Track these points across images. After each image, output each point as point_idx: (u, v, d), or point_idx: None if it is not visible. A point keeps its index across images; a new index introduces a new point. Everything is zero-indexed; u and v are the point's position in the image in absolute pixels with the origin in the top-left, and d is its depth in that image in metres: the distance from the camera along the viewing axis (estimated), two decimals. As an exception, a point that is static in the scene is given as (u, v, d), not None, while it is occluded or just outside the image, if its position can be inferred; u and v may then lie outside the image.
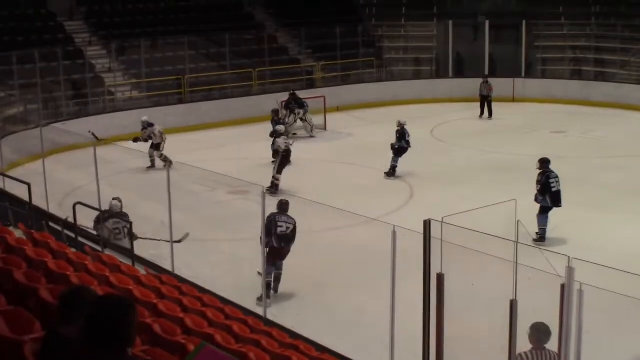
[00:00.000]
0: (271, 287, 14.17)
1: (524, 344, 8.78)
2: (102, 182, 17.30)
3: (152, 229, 16.66)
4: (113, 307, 4.25)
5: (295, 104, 28.63)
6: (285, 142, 22.04)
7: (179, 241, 15.30)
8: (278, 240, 14.20)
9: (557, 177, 17.21)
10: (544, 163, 17.50)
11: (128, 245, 14.84)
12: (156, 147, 24.27)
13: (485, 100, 31.93)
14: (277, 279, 14.45)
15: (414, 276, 9.86)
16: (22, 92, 27.72)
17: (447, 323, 9.30)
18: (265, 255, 13.63)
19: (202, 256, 16.34)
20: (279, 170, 21.32)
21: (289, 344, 9.99)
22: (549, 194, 17.05)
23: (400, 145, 22.92)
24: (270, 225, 14.00)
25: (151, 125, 24.47)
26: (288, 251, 14.43)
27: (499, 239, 8.57)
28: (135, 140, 24.08)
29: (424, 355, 9.90)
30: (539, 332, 8.75)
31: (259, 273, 14.14)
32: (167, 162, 21.32)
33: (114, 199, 15.55)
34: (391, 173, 22.86)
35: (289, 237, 14.32)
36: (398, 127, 23.22)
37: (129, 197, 20.08)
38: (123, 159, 23.26)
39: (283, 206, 14.63)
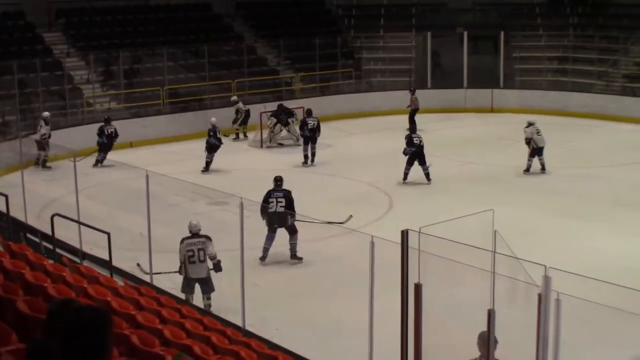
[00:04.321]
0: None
1: (502, 353, 8.82)
2: (80, 194, 17.25)
3: (130, 241, 16.65)
4: (89, 318, 4.23)
5: (284, 115, 28.81)
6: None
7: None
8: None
9: (280, 197, 16.90)
10: (274, 181, 17.33)
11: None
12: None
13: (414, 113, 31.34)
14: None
15: (393, 286, 9.88)
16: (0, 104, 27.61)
17: (425, 333, 9.32)
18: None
19: (181, 267, 16.29)
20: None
21: (268, 354, 9.99)
22: (266, 215, 16.70)
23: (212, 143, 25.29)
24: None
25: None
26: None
27: (476, 248, 8.60)
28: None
29: (402, 365, 9.91)
30: (487, 341, 8.80)
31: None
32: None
33: None
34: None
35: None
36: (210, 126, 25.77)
37: (108, 209, 20.10)
38: (101, 171, 23.23)
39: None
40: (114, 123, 26.82)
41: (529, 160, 23.97)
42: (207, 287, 14.09)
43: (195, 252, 14.03)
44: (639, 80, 33.63)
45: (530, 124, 24.42)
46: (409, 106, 31.71)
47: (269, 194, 16.90)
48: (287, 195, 16.87)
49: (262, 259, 16.68)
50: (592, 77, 34.88)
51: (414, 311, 9.34)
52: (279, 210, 16.61)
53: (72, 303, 5.05)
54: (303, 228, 16.74)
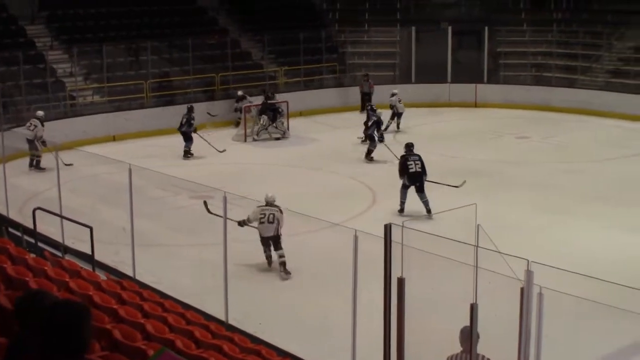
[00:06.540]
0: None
1: (484, 347, 8.83)
2: (63, 188, 17.17)
3: (113, 235, 16.59)
4: (66, 313, 4.20)
5: (269, 111, 28.88)
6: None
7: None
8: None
9: (417, 159, 19.58)
10: (407, 147, 20.18)
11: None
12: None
13: (367, 97, 33.38)
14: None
15: (376, 280, 9.87)
16: (-18, 96, 27.45)
17: (407, 327, 9.31)
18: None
19: (164, 261, 16.27)
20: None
21: (251, 349, 9.98)
22: (406, 175, 19.31)
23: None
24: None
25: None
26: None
27: (459, 243, 8.60)
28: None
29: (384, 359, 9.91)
30: (468, 336, 8.79)
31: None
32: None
33: None
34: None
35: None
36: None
37: (90, 202, 20.03)
38: (84, 164, 23.12)
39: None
40: (95, 116, 26.70)
41: (388, 122, 29.29)
42: (277, 245, 15.70)
43: (266, 215, 15.68)
44: (622, 75, 33.72)
45: (393, 94, 29.98)
46: (370, 91, 33.69)
47: (406, 158, 19.65)
48: (421, 158, 19.64)
49: (401, 211, 18.84)
50: (576, 73, 34.98)
51: (397, 305, 9.33)
52: (418, 171, 19.34)
53: (39, 295, 5.03)
54: (287, 221, 16.70)
